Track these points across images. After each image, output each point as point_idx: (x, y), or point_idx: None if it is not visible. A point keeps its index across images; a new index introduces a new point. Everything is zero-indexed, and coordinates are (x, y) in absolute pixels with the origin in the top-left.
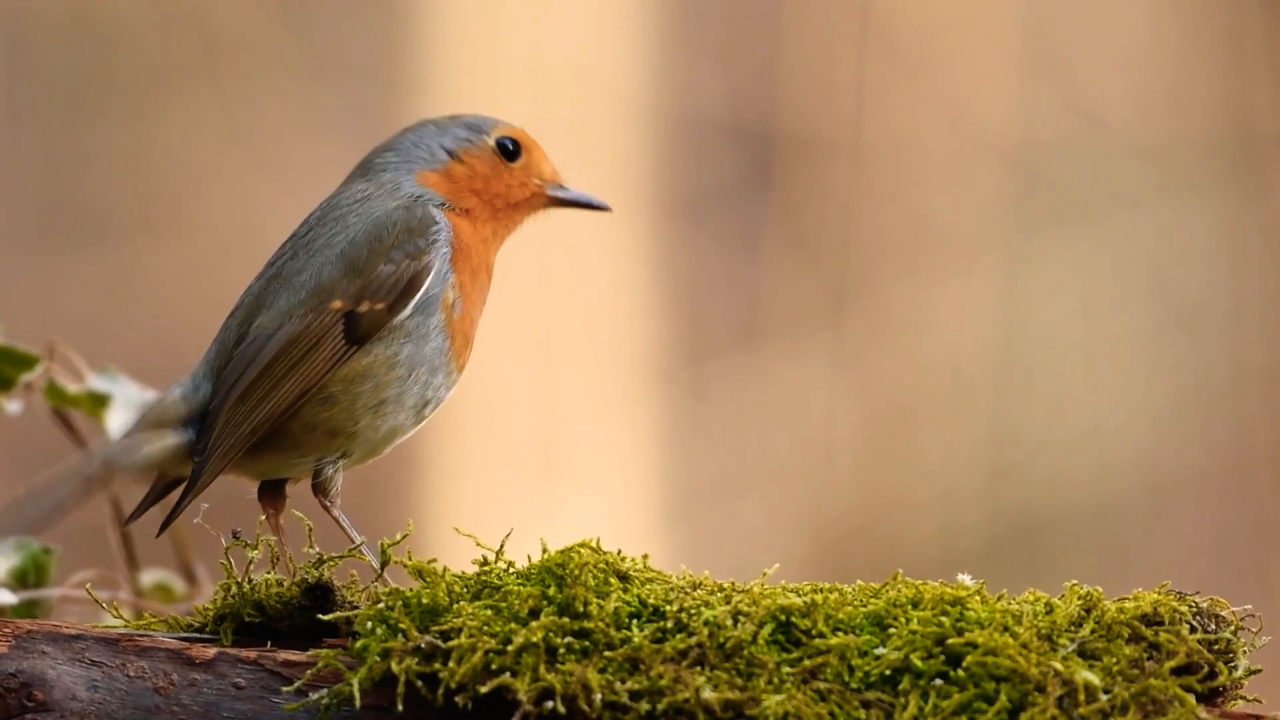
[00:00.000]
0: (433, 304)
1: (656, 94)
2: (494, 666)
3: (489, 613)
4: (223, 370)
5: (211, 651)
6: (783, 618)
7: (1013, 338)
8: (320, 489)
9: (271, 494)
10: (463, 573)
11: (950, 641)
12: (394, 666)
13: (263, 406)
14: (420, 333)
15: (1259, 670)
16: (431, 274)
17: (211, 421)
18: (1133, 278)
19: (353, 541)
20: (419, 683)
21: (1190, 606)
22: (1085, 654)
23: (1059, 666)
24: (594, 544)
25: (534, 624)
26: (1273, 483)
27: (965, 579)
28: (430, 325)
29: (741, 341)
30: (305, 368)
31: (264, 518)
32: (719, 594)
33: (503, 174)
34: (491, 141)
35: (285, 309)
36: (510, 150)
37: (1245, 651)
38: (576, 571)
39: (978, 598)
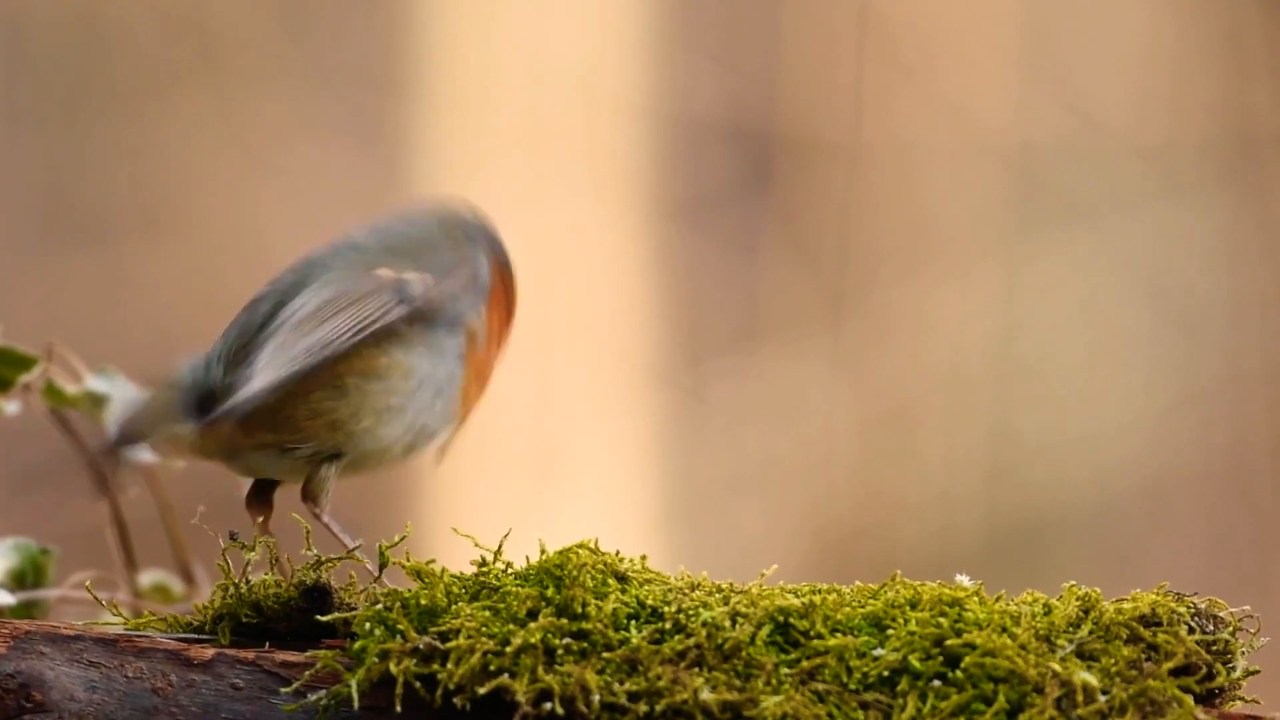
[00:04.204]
0: (458, 324)
1: (655, 95)
2: (492, 668)
3: (487, 614)
4: (243, 349)
5: (210, 652)
6: (781, 619)
7: (1013, 339)
8: (310, 495)
9: (260, 501)
10: (461, 573)
11: (948, 643)
12: (392, 667)
13: (317, 333)
14: (438, 350)
15: (1257, 671)
16: (483, 275)
17: (230, 385)
18: (1132, 279)
19: (346, 546)
20: (417, 684)
21: (1189, 607)
22: (1083, 655)
23: (1057, 667)
24: (592, 545)
25: (532, 625)
26: (1272, 483)
27: (964, 580)
28: (449, 346)
29: (741, 343)
30: (357, 310)
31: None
32: (717, 595)
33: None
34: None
35: (331, 279)
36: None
37: (1243, 652)
38: (575, 572)
39: (976, 599)
